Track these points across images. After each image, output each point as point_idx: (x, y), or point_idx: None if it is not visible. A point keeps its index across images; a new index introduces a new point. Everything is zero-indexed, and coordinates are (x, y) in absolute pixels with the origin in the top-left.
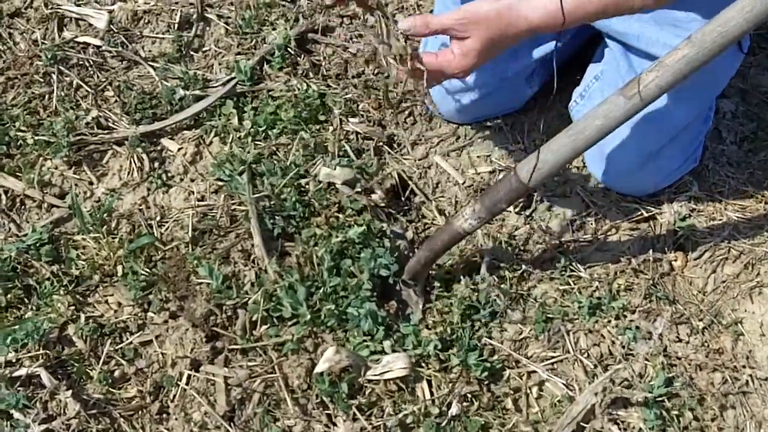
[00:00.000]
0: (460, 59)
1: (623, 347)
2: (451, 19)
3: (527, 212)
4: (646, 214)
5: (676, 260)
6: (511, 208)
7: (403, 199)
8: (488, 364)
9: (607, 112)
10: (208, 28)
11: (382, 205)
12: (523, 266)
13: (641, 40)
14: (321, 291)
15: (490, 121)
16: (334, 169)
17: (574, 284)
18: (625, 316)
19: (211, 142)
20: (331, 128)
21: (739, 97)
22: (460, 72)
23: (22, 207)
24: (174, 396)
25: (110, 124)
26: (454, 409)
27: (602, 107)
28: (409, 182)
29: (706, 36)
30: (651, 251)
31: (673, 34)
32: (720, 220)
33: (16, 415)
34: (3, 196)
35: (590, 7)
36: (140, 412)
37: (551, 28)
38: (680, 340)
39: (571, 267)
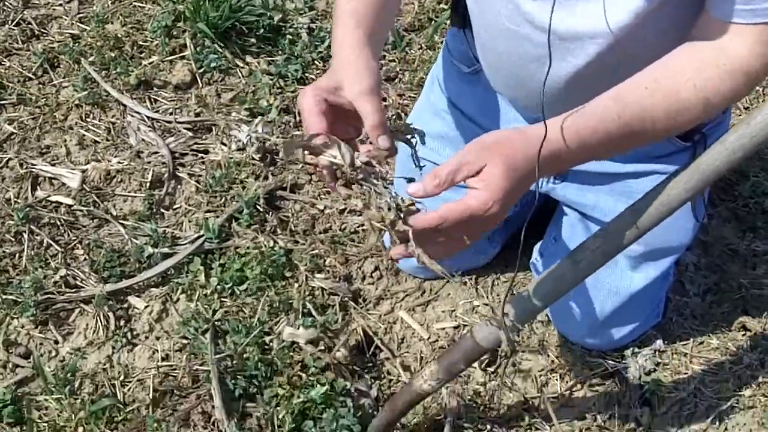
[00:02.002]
0: (488, 193)
1: None
2: (458, 157)
3: (492, 369)
4: (611, 369)
5: (642, 416)
6: (476, 364)
7: (368, 355)
8: None
9: (557, 277)
10: (179, 186)
11: (347, 362)
12: (488, 426)
13: (596, 210)
14: None
15: (455, 276)
16: (298, 328)
17: None
18: None
19: (177, 300)
20: (296, 284)
21: (701, 249)
22: (494, 208)
23: None
24: None
25: (78, 283)
26: None
27: (552, 273)
28: (375, 338)
29: (648, 204)
30: (617, 407)
31: (627, 205)
32: (685, 373)
33: None
34: None
35: (591, 140)
36: None
37: (558, 151)
38: None
39: (537, 425)
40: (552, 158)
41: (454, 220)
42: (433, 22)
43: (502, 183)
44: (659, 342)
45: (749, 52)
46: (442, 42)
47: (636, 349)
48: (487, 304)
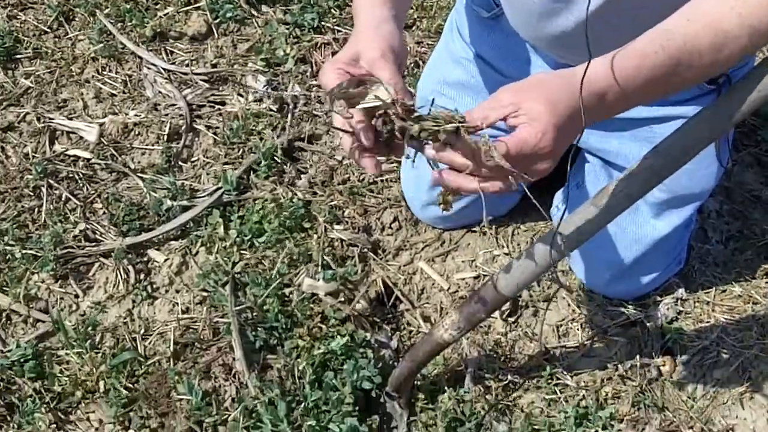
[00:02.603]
0: (536, 124)
1: None
2: (491, 99)
3: (513, 318)
4: (632, 318)
5: (664, 365)
6: (496, 314)
7: (387, 306)
8: None
9: (578, 221)
10: (197, 139)
11: (367, 314)
12: (509, 376)
13: (619, 156)
14: (302, 406)
15: (475, 225)
16: (318, 280)
17: (561, 393)
18: (613, 426)
19: (197, 253)
20: (315, 236)
21: (723, 196)
22: (545, 140)
23: (8, 322)
24: None
25: (97, 237)
26: None
27: (574, 217)
28: (394, 289)
29: (672, 145)
30: (638, 357)
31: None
32: (708, 322)
33: None
34: None
35: (637, 76)
36: None
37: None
38: None
39: (558, 375)
40: (597, 98)
41: (514, 154)
42: None
43: (548, 117)
44: (681, 290)
45: None
46: None
47: (658, 298)
48: (507, 254)
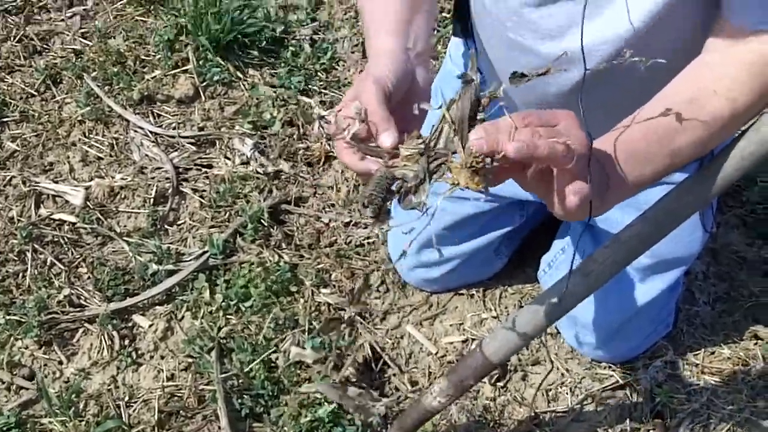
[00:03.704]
0: (577, 133)
1: None
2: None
3: (501, 383)
4: (621, 382)
5: (654, 429)
6: (486, 379)
7: (375, 371)
8: None
9: (565, 289)
10: (183, 202)
11: (354, 380)
12: None
13: (605, 221)
14: None
15: (462, 288)
16: (304, 348)
17: None
18: None
19: (182, 317)
20: (302, 300)
21: (710, 257)
22: (584, 152)
23: None
24: None
25: (82, 302)
26: None
27: (561, 284)
28: (382, 354)
29: (657, 214)
30: (628, 420)
31: (635, 217)
32: (697, 384)
33: None
34: None
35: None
36: None
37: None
38: None
39: None
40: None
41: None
42: (436, 32)
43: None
44: (670, 353)
45: None
46: (445, 52)
47: (647, 361)
48: (495, 317)
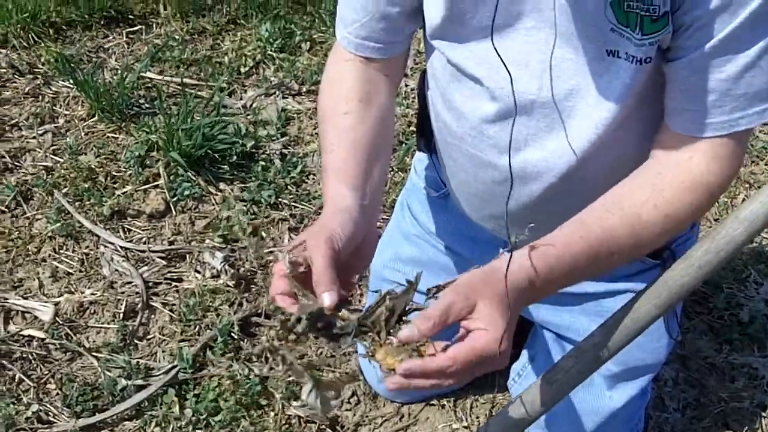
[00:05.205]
0: (493, 330)
1: None
2: (445, 300)
3: None
4: None
5: None
6: None
7: None
8: None
9: (532, 397)
10: (153, 316)
11: None
12: None
13: (570, 330)
14: None
15: (433, 398)
16: None
17: None
18: None
19: None
20: (272, 413)
21: (679, 364)
22: (503, 345)
23: None
24: None
25: (50, 418)
26: None
27: (527, 393)
28: None
29: (619, 322)
30: None
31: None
32: None
33: None
34: None
35: (559, 265)
36: None
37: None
38: None
39: None
40: (528, 286)
41: (463, 361)
42: (403, 144)
43: (500, 319)
44: None
45: (707, 168)
46: (410, 164)
47: None
48: (467, 427)
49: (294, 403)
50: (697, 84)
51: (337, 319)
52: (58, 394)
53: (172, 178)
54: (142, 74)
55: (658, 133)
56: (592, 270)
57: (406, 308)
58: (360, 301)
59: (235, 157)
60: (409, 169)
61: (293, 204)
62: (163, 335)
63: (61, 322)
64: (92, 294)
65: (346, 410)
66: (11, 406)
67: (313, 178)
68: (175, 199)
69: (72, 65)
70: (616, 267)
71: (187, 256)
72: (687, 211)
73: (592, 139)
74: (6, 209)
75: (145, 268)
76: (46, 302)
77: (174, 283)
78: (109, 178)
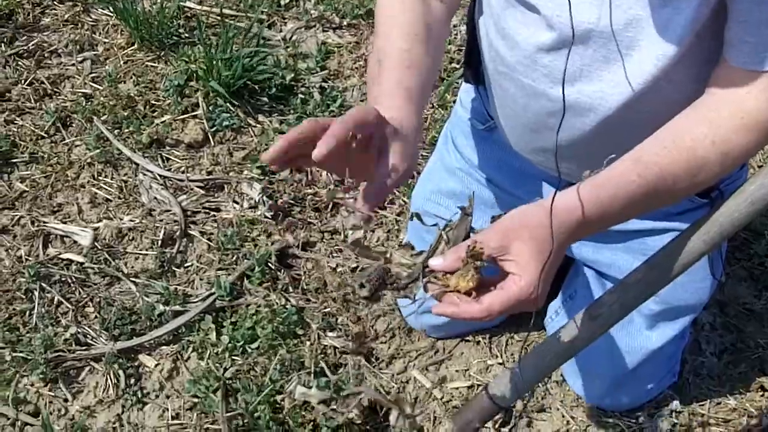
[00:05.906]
0: (527, 277)
1: None
2: (482, 235)
3: (506, 429)
4: (626, 430)
5: None
6: (490, 424)
7: (380, 414)
8: None
9: (572, 332)
10: (191, 245)
11: (359, 422)
12: None
13: (612, 268)
14: None
15: (469, 335)
16: (310, 388)
17: None
18: None
19: (188, 358)
20: (308, 343)
21: (717, 308)
22: (535, 292)
23: None
24: None
25: (89, 341)
26: None
27: (568, 327)
28: (387, 397)
29: (665, 258)
30: None
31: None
32: None
33: None
34: None
35: (614, 205)
36: None
37: (581, 220)
38: None
39: None
40: (577, 227)
41: (499, 310)
42: (444, 80)
43: (536, 266)
44: (676, 402)
45: (765, 104)
46: (453, 101)
47: (652, 410)
48: (501, 364)
49: (329, 334)
50: (758, 16)
51: (400, 268)
52: (96, 317)
53: (211, 108)
54: (181, 3)
55: (716, 68)
56: (645, 209)
57: (469, 234)
58: (398, 236)
59: (274, 89)
60: (450, 106)
61: None
62: (201, 263)
63: (99, 247)
64: (131, 220)
65: (381, 343)
66: (50, 327)
67: None
68: (213, 129)
69: None
70: (669, 204)
71: (225, 186)
72: (743, 149)
73: (652, 73)
74: (45, 134)
75: (184, 196)
76: (85, 227)
77: (212, 213)
78: (148, 107)
